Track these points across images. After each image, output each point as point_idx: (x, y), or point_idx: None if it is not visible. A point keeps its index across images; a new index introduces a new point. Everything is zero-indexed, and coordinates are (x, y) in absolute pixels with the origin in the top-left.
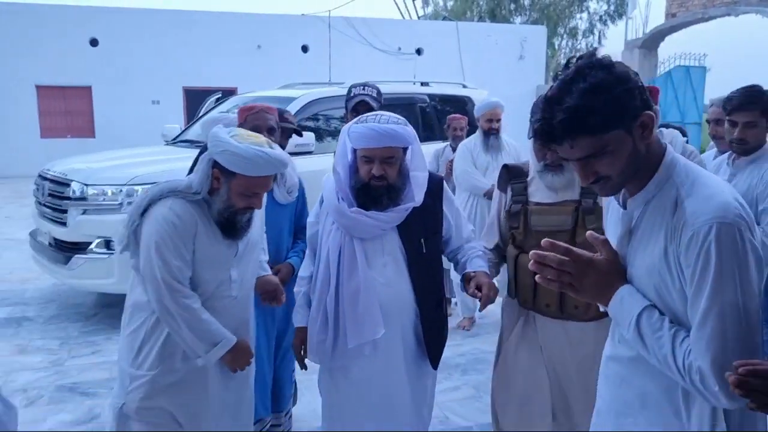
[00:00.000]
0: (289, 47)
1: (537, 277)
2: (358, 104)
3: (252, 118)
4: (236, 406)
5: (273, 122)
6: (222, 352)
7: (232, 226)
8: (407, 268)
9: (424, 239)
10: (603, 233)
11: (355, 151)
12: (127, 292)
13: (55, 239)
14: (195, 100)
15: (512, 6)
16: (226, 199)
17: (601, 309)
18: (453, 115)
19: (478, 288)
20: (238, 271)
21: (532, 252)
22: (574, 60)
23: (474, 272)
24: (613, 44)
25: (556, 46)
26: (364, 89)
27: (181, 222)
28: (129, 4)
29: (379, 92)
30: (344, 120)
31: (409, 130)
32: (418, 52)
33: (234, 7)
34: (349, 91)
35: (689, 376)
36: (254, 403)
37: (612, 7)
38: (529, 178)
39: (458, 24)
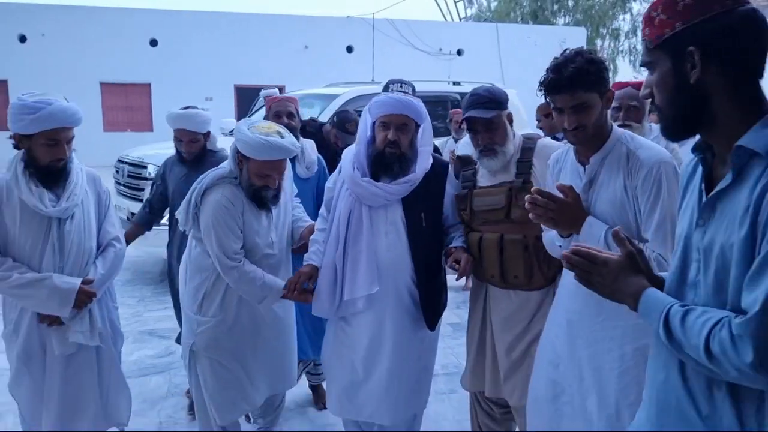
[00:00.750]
0: (334, 47)
1: (530, 215)
2: None
3: (275, 105)
4: (284, 348)
5: (292, 108)
6: (273, 302)
7: (260, 200)
8: (407, 237)
9: (424, 214)
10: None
11: (373, 125)
12: (185, 251)
13: (132, 213)
14: (245, 96)
15: (555, 7)
16: (247, 179)
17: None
18: (454, 110)
19: (457, 261)
20: (276, 233)
21: (527, 196)
22: (568, 50)
23: (455, 247)
24: None
25: (599, 47)
26: (401, 86)
27: (231, 205)
28: (186, 8)
29: (414, 89)
30: None
31: (423, 108)
32: (459, 52)
33: (283, 9)
34: (387, 86)
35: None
36: (300, 345)
37: None
38: (477, 166)
39: (498, 26)
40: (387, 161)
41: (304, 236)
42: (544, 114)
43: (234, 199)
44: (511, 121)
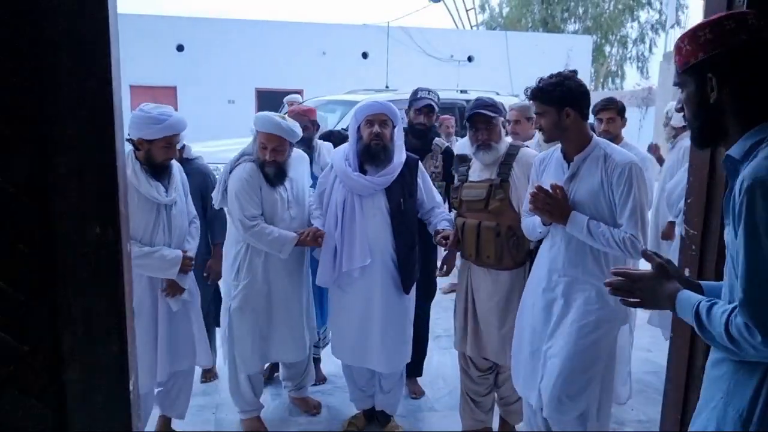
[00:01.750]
0: (350, 54)
1: (529, 205)
2: (424, 107)
3: (294, 117)
4: (298, 316)
5: (307, 121)
6: (290, 247)
7: (266, 176)
8: (390, 219)
9: (403, 200)
10: (510, 203)
11: (358, 127)
12: (227, 232)
13: None
14: (266, 99)
15: (565, 14)
16: (257, 151)
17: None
18: (444, 116)
19: (445, 238)
20: (296, 210)
21: (529, 191)
22: (564, 70)
23: (442, 228)
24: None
25: (607, 54)
26: (429, 93)
27: (250, 178)
28: (210, 15)
29: (438, 97)
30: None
31: (396, 111)
32: (470, 59)
33: (302, 17)
34: (416, 92)
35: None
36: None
37: (664, 17)
38: (471, 163)
39: (507, 33)
40: (373, 152)
41: None
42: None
43: (252, 173)
44: (504, 127)
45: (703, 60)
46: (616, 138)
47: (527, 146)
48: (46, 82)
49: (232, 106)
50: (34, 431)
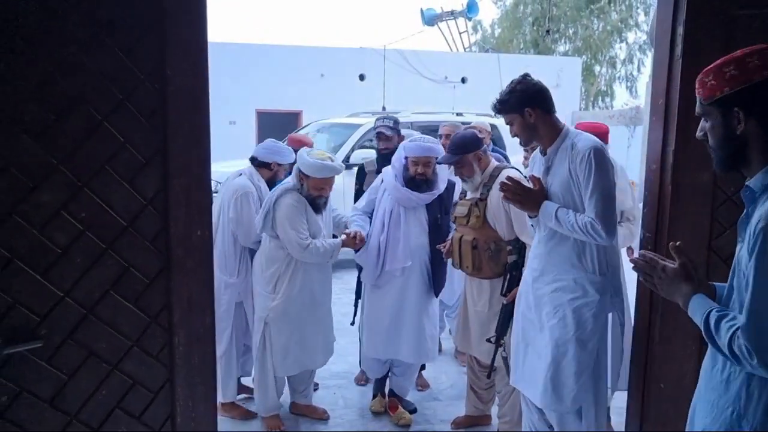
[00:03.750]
0: (348, 76)
1: (501, 196)
2: (379, 134)
3: (292, 144)
4: (327, 322)
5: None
6: (339, 248)
7: (315, 206)
8: (428, 230)
9: (440, 216)
10: (484, 217)
11: (406, 157)
12: (258, 249)
13: None
14: (266, 120)
15: (555, 36)
16: (307, 190)
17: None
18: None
19: (443, 244)
20: (327, 231)
21: (500, 181)
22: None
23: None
24: (650, 73)
25: (597, 74)
26: (383, 121)
27: (298, 205)
28: (212, 40)
29: (396, 122)
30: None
31: (439, 147)
32: (463, 80)
33: (301, 40)
34: (375, 122)
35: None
36: None
37: (651, 39)
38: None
39: (500, 56)
40: (417, 183)
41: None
42: None
43: (299, 202)
44: (479, 158)
45: (729, 95)
46: None
47: (512, 167)
48: (167, 125)
49: (233, 127)
50: (152, 384)
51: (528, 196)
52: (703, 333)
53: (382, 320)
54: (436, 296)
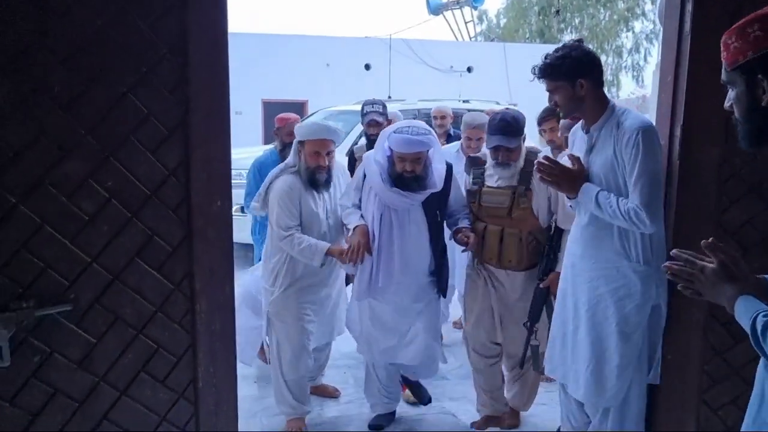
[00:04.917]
0: (353, 65)
1: (538, 176)
2: (370, 121)
3: (288, 124)
4: (337, 297)
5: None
6: (321, 256)
7: (315, 182)
8: (428, 230)
9: (439, 211)
10: (532, 210)
11: (391, 150)
12: (266, 238)
13: None
14: (272, 110)
15: (561, 25)
16: (304, 163)
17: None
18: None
19: (467, 236)
20: (333, 220)
21: (536, 160)
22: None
23: (463, 227)
24: (657, 62)
25: (603, 63)
26: (373, 107)
27: (290, 190)
28: None
29: (384, 106)
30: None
31: (432, 137)
32: (469, 70)
33: (307, 30)
34: (363, 108)
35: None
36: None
37: (658, 28)
38: (486, 166)
39: (505, 44)
40: (406, 181)
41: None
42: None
43: (293, 185)
44: (524, 140)
45: (753, 59)
46: (561, 147)
47: (539, 150)
48: (189, 99)
49: (240, 117)
50: (175, 349)
51: (565, 176)
52: (750, 337)
53: (381, 333)
54: (444, 296)
